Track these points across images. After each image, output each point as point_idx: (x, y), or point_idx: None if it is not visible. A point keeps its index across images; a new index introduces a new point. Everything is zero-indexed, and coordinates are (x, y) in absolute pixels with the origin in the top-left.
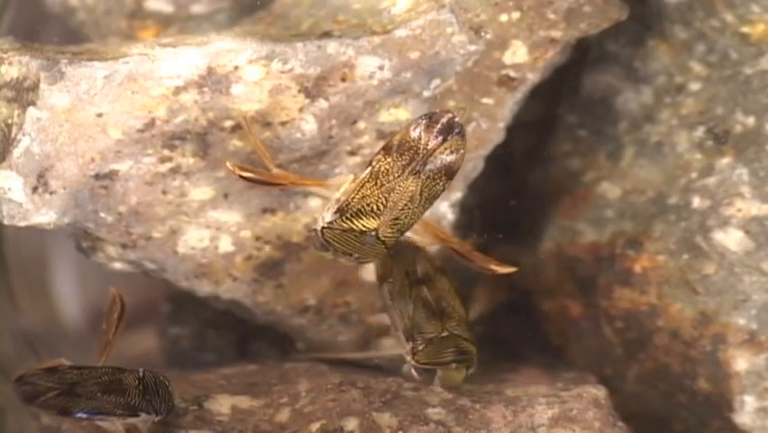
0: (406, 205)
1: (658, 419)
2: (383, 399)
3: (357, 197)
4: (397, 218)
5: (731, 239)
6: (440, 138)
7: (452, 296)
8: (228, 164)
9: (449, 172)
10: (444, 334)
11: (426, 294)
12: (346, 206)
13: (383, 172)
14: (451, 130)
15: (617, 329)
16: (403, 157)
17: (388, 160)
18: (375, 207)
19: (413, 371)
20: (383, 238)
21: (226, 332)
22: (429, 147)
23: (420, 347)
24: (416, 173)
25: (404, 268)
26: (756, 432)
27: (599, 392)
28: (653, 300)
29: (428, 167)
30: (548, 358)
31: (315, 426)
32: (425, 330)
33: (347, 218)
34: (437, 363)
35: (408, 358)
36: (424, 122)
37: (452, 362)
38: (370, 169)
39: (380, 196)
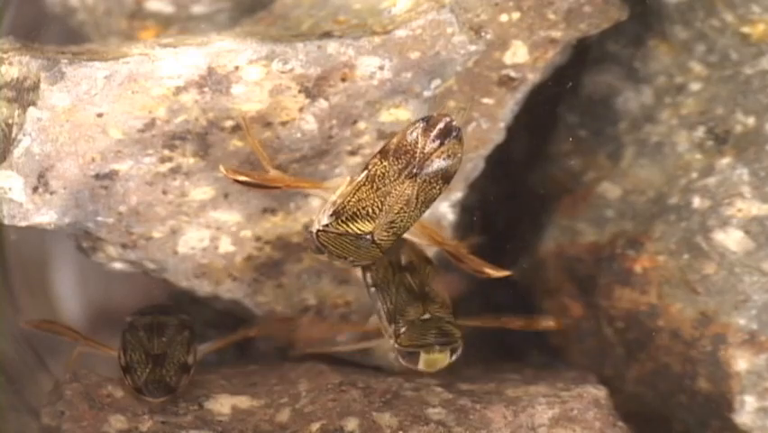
0: (401, 208)
1: (658, 419)
2: (383, 399)
3: (353, 200)
4: (392, 222)
5: (731, 239)
6: (437, 142)
7: (435, 282)
8: (222, 168)
9: (445, 176)
10: (426, 316)
11: (409, 280)
12: (342, 209)
13: (379, 176)
14: (448, 134)
15: (618, 329)
16: (399, 161)
17: (385, 163)
18: (371, 211)
19: (398, 356)
20: (378, 242)
21: (226, 332)
22: (426, 151)
23: (402, 330)
24: (412, 177)
25: (388, 257)
26: (756, 432)
27: (600, 392)
28: (654, 300)
29: (425, 171)
30: (548, 358)
31: (316, 426)
32: (407, 313)
33: (343, 222)
34: (420, 346)
35: (391, 342)
36: (421, 125)
37: (435, 344)
38: (366, 172)
39: (376, 199)
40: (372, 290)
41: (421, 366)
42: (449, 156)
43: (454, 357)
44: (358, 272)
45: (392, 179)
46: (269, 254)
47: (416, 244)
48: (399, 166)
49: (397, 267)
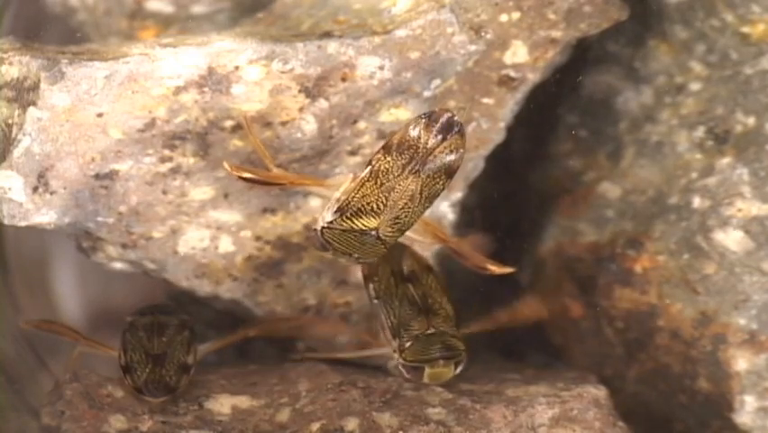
0: (406, 204)
1: (658, 419)
2: (383, 399)
3: (357, 196)
4: (397, 218)
5: (731, 239)
6: (439, 137)
7: (438, 293)
8: (226, 165)
9: (449, 171)
10: (431, 331)
11: (412, 292)
12: (346, 205)
13: (383, 171)
14: (450, 129)
15: (618, 329)
16: (403, 156)
17: (388, 159)
18: (375, 207)
19: (401, 369)
20: (383, 238)
21: (226, 332)
22: (429, 146)
23: (407, 345)
24: (415, 172)
25: (390, 267)
26: (756, 432)
27: (600, 392)
28: (654, 300)
29: (428, 166)
30: (548, 358)
31: (316, 426)
32: (411, 327)
33: (347, 218)
34: (424, 361)
35: (395, 356)
36: (423, 121)
37: (440, 358)
38: (369, 168)
39: (380, 195)
40: (375, 302)
41: (426, 381)
42: (452, 151)
43: (458, 370)
44: (358, 273)
45: (396, 174)
46: (269, 254)
47: (417, 252)
48: (403, 161)
49: (400, 277)
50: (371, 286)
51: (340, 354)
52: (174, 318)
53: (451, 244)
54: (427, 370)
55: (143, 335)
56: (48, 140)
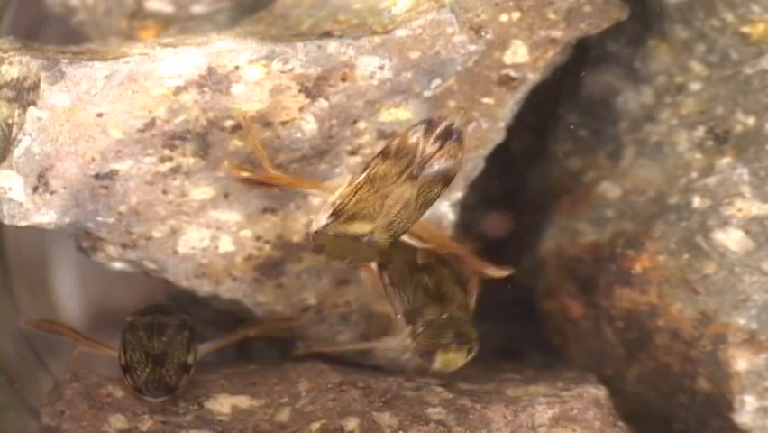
0: (400, 211)
1: (658, 419)
2: (383, 398)
3: (352, 201)
4: (390, 223)
5: (731, 239)
6: (437, 144)
7: (451, 282)
8: (225, 163)
9: (445, 179)
10: (444, 316)
11: (426, 280)
12: (341, 209)
13: (379, 177)
14: (449, 136)
15: (618, 329)
16: (400, 162)
17: (386, 164)
18: (370, 212)
19: (415, 355)
20: (376, 243)
21: (226, 332)
22: (426, 153)
23: (420, 329)
24: (412, 179)
25: (404, 256)
26: (756, 432)
27: (600, 392)
28: (654, 300)
29: (425, 173)
30: (548, 358)
31: (316, 425)
32: (425, 313)
33: (341, 223)
34: (437, 345)
35: (408, 342)
36: (422, 127)
37: (452, 343)
38: (366, 172)
39: (375, 200)
40: (390, 289)
41: (437, 366)
42: (449, 158)
43: (470, 357)
44: (359, 272)
45: (392, 180)
46: (269, 254)
47: (430, 249)
48: (400, 167)
49: (414, 267)
50: (386, 274)
51: (342, 346)
52: (174, 318)
53: (449, 249)
54: (439, 355)
55: (143, 335)
56: (48, 140)
